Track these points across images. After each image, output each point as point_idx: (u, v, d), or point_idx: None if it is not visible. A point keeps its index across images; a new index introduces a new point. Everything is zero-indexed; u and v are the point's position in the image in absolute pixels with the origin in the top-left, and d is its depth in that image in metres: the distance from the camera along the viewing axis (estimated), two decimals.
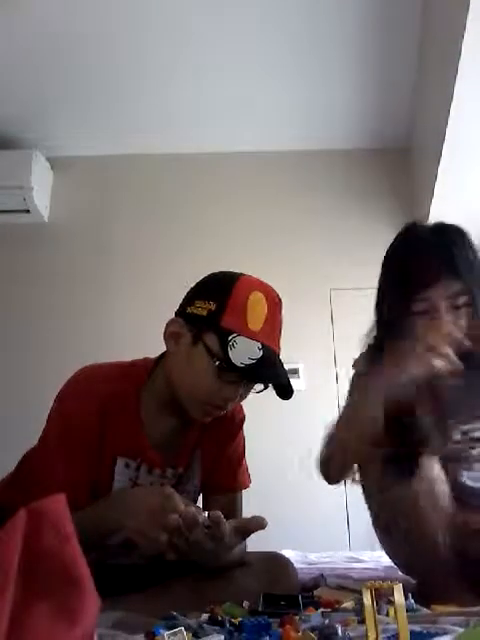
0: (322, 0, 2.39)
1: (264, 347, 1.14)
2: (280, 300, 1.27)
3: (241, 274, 1.26)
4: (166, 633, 0.69)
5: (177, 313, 1.24)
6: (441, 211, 2.73)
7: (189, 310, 1.20)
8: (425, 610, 0.98)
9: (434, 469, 1.22)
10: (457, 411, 1.32)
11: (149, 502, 1.02)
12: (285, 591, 1.15)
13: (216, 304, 1.17)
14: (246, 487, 1.41)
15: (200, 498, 1.40)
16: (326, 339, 2.97)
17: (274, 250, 3.11)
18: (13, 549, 0.56)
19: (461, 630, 0.72)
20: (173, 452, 1.27)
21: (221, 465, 1.35)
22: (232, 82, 2.81)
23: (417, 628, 0.72)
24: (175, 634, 0.68)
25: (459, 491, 1.29)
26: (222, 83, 2.81)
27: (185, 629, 0.71)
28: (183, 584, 1.15)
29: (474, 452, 1.32)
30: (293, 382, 3.27)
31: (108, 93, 2.87)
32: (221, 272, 1.29)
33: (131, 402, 1.22)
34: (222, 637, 0.75)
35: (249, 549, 1.31)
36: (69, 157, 3.25)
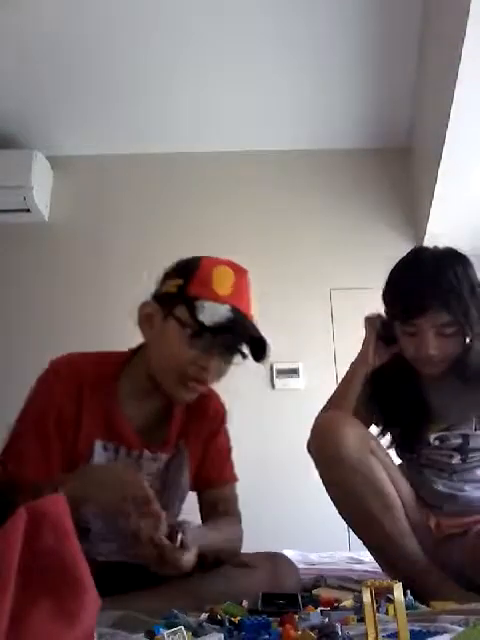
0: (322, 0, 2.39)
1: (233, 309, 1.17)
2: (246, 271, 1.30)
3: (206, 256, 1.30)
4: (166, 632, 0.69)
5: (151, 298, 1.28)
6: (441, 211, 2.73)
7: (159, 291, 1.26)
8: (424, 607, 0.98)
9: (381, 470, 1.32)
10: (437, 416, 1.42)
11: (115, 473, 1.05)
12: (286, 591, 1.16)
13: (183, 279, 1.21)
14: (236, 481, 1.44)
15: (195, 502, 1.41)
16: (326, 339, 2.97)
17: (274, 250, 3.11)
18: (13, 548, 0.56)
19: (460, 629, 0.72)
20: (156, 437, 1.29)
21: (210, 460, 1.39)
22: (232, 82, 2.81)
23: (417, 627, 0.72)
24: (175, 633, 0.68)
25: (432, 496, 1.39)
26: (222, 83, 2.81)
27: (185, 628, 0.71)
28: (182, 584, 1.15)
29: (453, 461, 1.40)
30: (293, 382, 3.27)
31: (108, 93, 2.87)
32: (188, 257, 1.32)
33: (109, 385, 1.24)
34: (222, 636, 0.75)
35: (250, 550, 1.31)
36: (69, 157, 3.24)
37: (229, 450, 1.45)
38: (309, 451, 1.38)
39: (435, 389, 1.45)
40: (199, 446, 1.37)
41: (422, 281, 1.36)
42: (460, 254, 1.42)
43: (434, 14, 2.29)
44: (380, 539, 1.29)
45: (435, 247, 1.44)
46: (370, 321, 1.50)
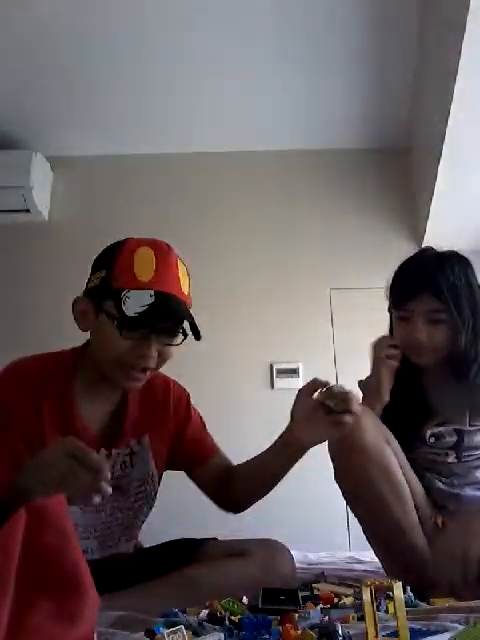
0: (322, 0, 2.39)
1: (157, 293, 1.16)
2: (169, 247, 1.27)
3: (129, 238, 1.30)
4: (166, 631, 0.69)
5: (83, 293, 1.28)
6: (441, 211, 2.73)
7: (88, 286, 1.26)
8: (424, 605, 0.98)
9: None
10: (432, 412, 1.46)
11: (53, 454, 0.95)
12: (282, 577, 1.19)
13: (105, 270, 1.22)
14: (218, 450, 1.49)
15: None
16: (326, 339, 2.97)
17: (274, 250, 3.12)
18: (13, 549, 0.56)
19: (460, 627, 0.72)
20: (111, 434, 1.29)
21: (190, 442, 1.42)
22: (232, 82, 2.81)
23: (416, 625, 0.72)
24: (175, 632, 0.68)
25: (437, 496, 1.41)
26: (222, 83, 2.81)
27: (185, 627, 0.71)
28: (180, 577, 1.16)
29: (448, 460, 1.43)
30: (293, 381, 3.26)
31: (108, 93, 2.87)
32: (112, 243, 1.32)
33: (63, 385, 1.24)
34: (222, 635, 0.75)
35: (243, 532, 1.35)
36: (69, 157, 3.25)
37: (204, 425, 1.49)
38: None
39: (431, 385, 1.49)
40: (166, 437, 1.38)
41: (419, 269, 1.45)
42: (463, 256, 1.49)
43: (434, 13, 2.29)
44: (388, 529, 1.32)
45: (442, 250, 1.50)
46: (378, 345, 1.51)
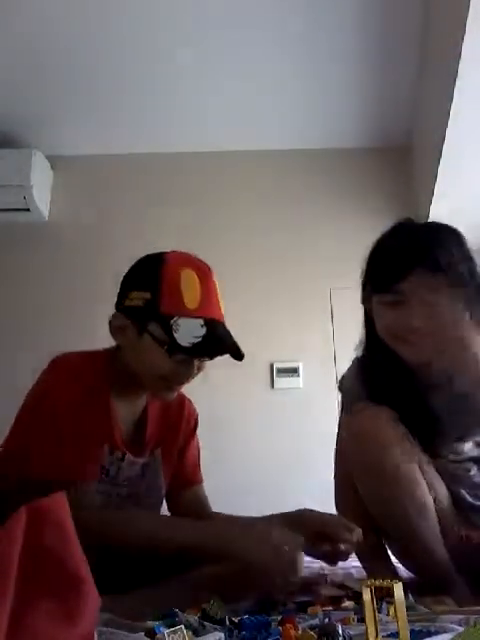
0: (323, 0, 2.39)
1: (206, 322, 1.18)
2: (209, 268, 1.29)
3: (164, 253, 1.29)
4: (166, 631, 0.68)
5: (116, 307, 1.27)
6: (441, 211, 2.73)
7: (127, 303, 1.24)
8: (424, 608, 0.98)
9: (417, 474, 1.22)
10: (444, 427, 1.28)
11: (278, 542, 1.04)
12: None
13: (150, 292, 1.20)
14: (202, 482, 1.48)
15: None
16: (326, 338, 2.97)
17: (274, 249, 3.11)
18: (14, 548, 0.56)
19: (461, 629, 0.72)
20: (135, 441, 1.31)
21: (186, 463, 1.43)
22: (232, 81, 2.81)
23: (417, 627, 0.72)
24: (175, 632, 0.68)
25: (460, 506, 1.29)
26: (222, 82, 2.81)
27: (185, 627, 0.71)
28: (188, 579, 1.16)
29: (471, 473, 1.30)
30: (293, 381, 3.26)
31: (108, 93, 2.87)
32: (146, 257, 1.32)
33: (105, 384, 1.25)
34: (222, 635, 0.75)
35: None
36: (69, 156, 3.24)
37: (199, 453, 1.49)
38: (337, 450, 1.34)
39: (435, 394, 1.29)
40: (174, 453, 1.40)
41: (407, 241, 1.23)
42: (450, 226, 1.29)
43: (434, 14, 2.29)
44: (414, 548, 1.23)
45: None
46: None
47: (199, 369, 1.24)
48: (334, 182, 3.22)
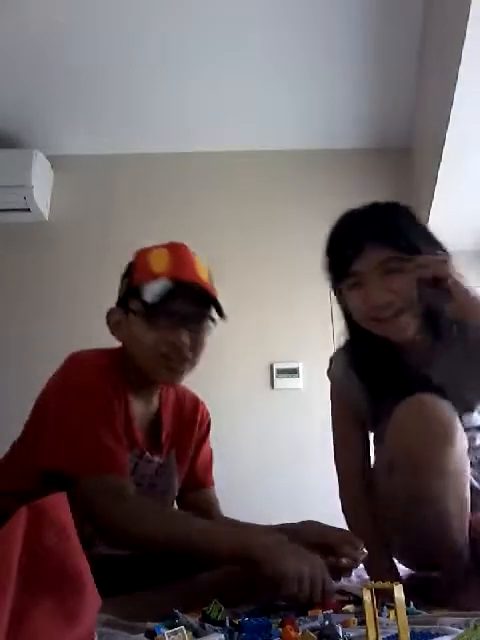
0: (323, 0, 2.39)
1: (174, 279, 1.21)
2: (182, 244, 1.33)
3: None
4: (166, 632, 0.68)
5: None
6: (442, 213, 2.73)
7: (118, 297, 1.33)
8: (425, 613, 0.98)
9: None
10: (456, 398, 1.17)
11: (312, 559, 1.03)
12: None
13: (127, 277, 1.31)
14: (214, 485, 1.50)
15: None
16: (326, 338, 2.96)
17: (274, 249, 3.11)
18: (14, 548, 0.56)
19: (461, 631, 0.71)
20: (151, 441, 1.33)
21: (199, 464, 1.44)
22: (232, 81, 2.81)
23: (417, 629, 0.72)
24: (175, 633, 0.68)
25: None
26: (222, 82, 2.81)
27: (185, 628, 0.71)
28: (194, 584, 1.16)
29: (477, 443, 1.24)
30: (293, 381, 3.26)
31: (109, 93, 2.87)
32: None
33: (121, 382, 1.27)
34: (222, 637, 0.75)
35: None
36: (69, 156, 3.24)
37: (212, 456, 1.51)
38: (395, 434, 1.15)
39: (427, 367, 1.23)
40: (188, 454, 1.41)
41: (352, 223, 1.23)
42: (396, 203, 1.27)
43: (434, 14, 2.29)
44: (441, 546, 1.14)
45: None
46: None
47: (194, 344, 1.25)
48: (334, 182, 3.22)
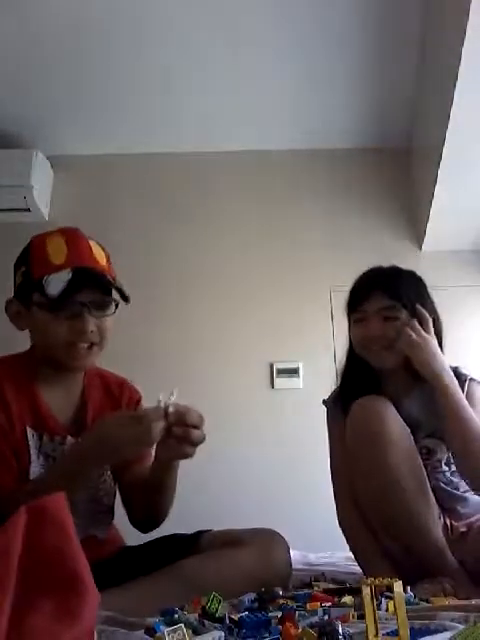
0: (323, 0, 2.39)
1: (74, 269, 1.23)
2: (76, 229, 1.37)
3: (40, 233, 1.37)
4: (166, 630, 0.69)
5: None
6: (441, 212, 2.73)
7: (14, 288, 1.33)
8: (424, 603, 0.98)
9: None
10: (419, 425, 1.46)
11: (127, 433, 1.09)
12: (278, 565, 1.24)
13: (24, 266, 1.31)
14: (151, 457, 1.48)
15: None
16: (326, 338, 2.97)
17: (274, 249, 3.11)
18: (14, 547, 0.56)
19: (461, 627, 0.72)
20: (76, 424, 1.35)
21: None
22: (232, 82, 2.81)
23: (416, 625, 0.72)
24: (175, 631, 0.68)
25: (446, 499, 1.43)
26: (222, 83, 2.81)
27: (185, 625, 0.71)
28: (174, 571, 1.16)
29: (445, 471, 1.45)
30: (293, 381, 3.25)
31: (109, 92, 2.87)
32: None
33: (27, 375, 1.30)
34: (222, 634, 0.75)
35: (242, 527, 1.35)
36: (70, 156, 3.24)
37: None
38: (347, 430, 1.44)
39: (403, 395, 1.50)
40: None
41: (371, 274, 1.56)
42: (407, 270, 1.58)
43: (434, 14, 2.30)
44: (409, 519, 1.32)
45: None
46: None
47: (100, 328, 1.27)
48: (334, 182, 3.22)
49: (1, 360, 1.35)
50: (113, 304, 1.31)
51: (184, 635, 0.69)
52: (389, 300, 1.47)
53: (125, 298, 1.31)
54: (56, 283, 1.21)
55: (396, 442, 1.35)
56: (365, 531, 1.41)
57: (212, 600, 0.86)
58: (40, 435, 1.27)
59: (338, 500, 1.54)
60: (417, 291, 1.52)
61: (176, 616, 0.81)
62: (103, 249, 1.36)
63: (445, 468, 1.45)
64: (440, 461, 1.45)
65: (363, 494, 1.41)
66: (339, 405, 1.56)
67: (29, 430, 1.26)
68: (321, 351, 2.95)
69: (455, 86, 2.01)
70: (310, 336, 2.97)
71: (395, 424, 1.37)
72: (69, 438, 1.30)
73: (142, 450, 1.26)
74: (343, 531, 1.51)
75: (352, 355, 1.59)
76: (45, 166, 3.14)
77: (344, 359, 1.63)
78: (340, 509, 1.53)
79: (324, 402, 1.68)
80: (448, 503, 1.42)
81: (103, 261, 1.32)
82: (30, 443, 1.25)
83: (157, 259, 3.08)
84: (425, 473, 1.38)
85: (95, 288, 1.27)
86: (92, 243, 1.34)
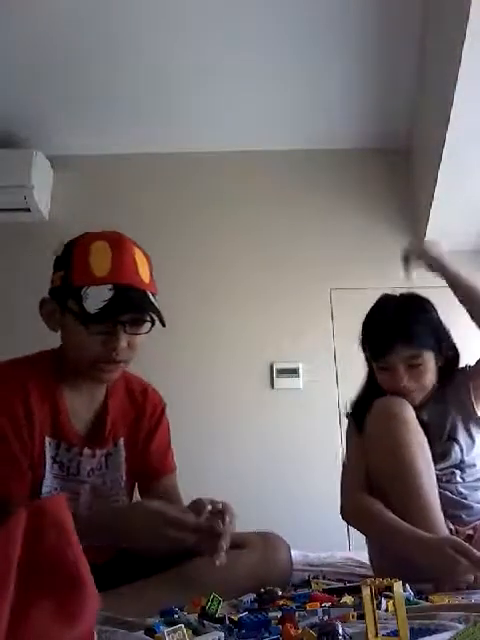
0: (323, 0, 2.39)
1: (116, 286, 1.18)
2: (122, 237, 1.31)
3: (85, 233, 1.33)
4: (166, 630, 0.69)
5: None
6: (441, 211, 2.73)
7: (51, 287, 1.28)
8: (424, 603, 0.98)
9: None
10: (434, 429, 1.52)
11: (149, 522, 1.07)
12: (279, 567, 1.23)
13: (64, 270, 1.25)
14: (176, 469, 1.46)
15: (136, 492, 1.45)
16: (326, 338, 2.97)
17: (274, 250, 3.11)
18: (14, 548, 0.56)
19: (461, 626, 0.72)
20: (94, 434, 1.31)
21: (152, 454, 1.41)
22: (232, 81, 2.81)
23: (416, 624, 0.72)
24: (175, 631, 0.68)
25: (451, 505, 1.45)
26: (222, 82, 2.81)
27: (184, 626, 0.71)
28: (177, 572, 1.16)
29: (456, 479, 1.50)
30: (293, 381, 3.26)
31: (109, 93, 2.87)
32: (68, 241, 1.33)
33: (49, 383, 1.26)
34: (221, 634, 0.75)
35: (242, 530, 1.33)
36: (69, 156, 3.24)
37: (169, 442, 1.48)
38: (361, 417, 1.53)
39: (418, 409, 1.54)
40: (138, 443, 1.39)
41: (388, 322, 1.56)
42: (422, 297, 1.61)
43: (434, 15, 2.30)
44: (413, 497, 1.36)
45: (400, 294, 1.64)
46: None
47: (131, 345, 1.23)
48: (334, 182, 3.22)
49: (28, 359, 1.31)
50: (148, 323, 1.25)
51: (184, 635, 0.69)
52: (411, 350, 1.51)
53: (162, 322, 1.25)
54: (95, 298, 1.16)
55: (414, 430, 1.42)
56: (380, 505, 1.41)
57: (212, 600, 0.86)
58: (57, 443, 1.25)
59: (347, 489, 1.54)
60: (433, 326, 1.56)
61: (176, 616, 0.81)
62: (146, 257, 1.30)
63: (459, 479, 1.49)
64: (453, 471, 1.50)
65: (377, 473, 1.45)
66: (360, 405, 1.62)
67: (47, 439, 1.23)
68: (321, 351, 2.95)
69: (455, 87, 2.01)
70: (310, 336, 2.97)
71: (414, 419, 1.44)
72: (86, 450, 1.28)
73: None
74: (352, 518, 1.52)
75: (372, 379, 1.64)
76: (45, 166, 3.15)
77: (364, 381, 1.68)
78: (349, 497, 1.52)
79: (347, 415, 1.71)
80: (454, 510, 1.44)
81: (146, 276, 1.26)
82: (46, 452, 1.23)
83: (157, 259, 3.08)
84: (433, 468, 1.42)
85: (134, 306, 1.22)
86: (137, 253, 1.27)
